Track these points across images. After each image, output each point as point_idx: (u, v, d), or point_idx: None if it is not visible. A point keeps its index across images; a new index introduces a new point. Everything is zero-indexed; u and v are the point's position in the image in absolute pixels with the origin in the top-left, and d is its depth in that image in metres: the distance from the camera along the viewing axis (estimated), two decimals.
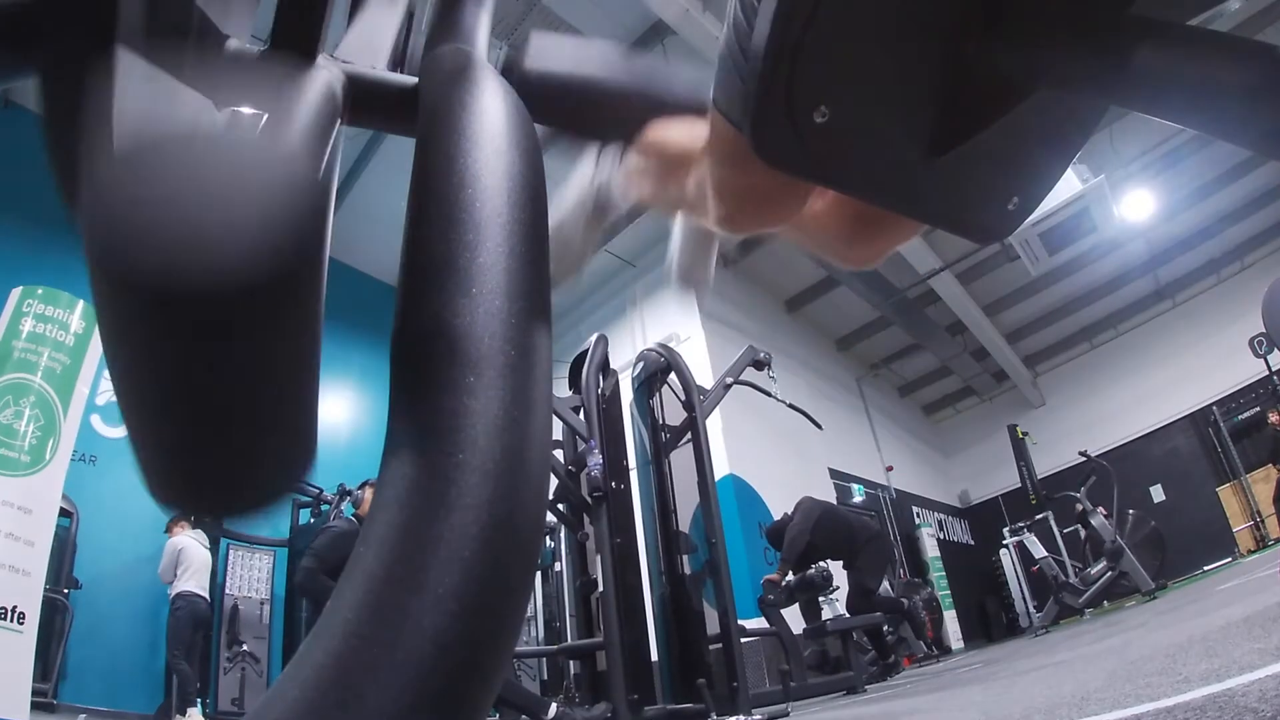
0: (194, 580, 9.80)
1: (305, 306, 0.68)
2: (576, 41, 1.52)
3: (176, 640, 9.56)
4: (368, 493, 8.39)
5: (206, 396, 0.71)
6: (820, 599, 10.36)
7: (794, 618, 9.89)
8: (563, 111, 1.50)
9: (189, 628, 9.66)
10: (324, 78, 1.09)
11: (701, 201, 1.28)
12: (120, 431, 10.97)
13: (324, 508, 11.83)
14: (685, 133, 1.42)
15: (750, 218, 1.20)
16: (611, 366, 8.20)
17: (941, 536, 21.06)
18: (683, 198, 1.40)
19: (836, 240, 1.22)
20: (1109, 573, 13.08)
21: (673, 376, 8.12)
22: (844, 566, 10.13)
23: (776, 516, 10.89)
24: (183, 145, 0.62)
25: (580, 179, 1.89)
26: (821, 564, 10.02)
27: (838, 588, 10.18)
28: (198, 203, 0.58)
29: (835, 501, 14.92)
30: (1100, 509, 13.62)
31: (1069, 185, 12.04)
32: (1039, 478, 16.35)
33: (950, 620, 18.01)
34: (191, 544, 9.94)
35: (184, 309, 0.57)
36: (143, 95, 0.87)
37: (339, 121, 1.09)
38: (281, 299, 0.63)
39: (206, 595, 9.99)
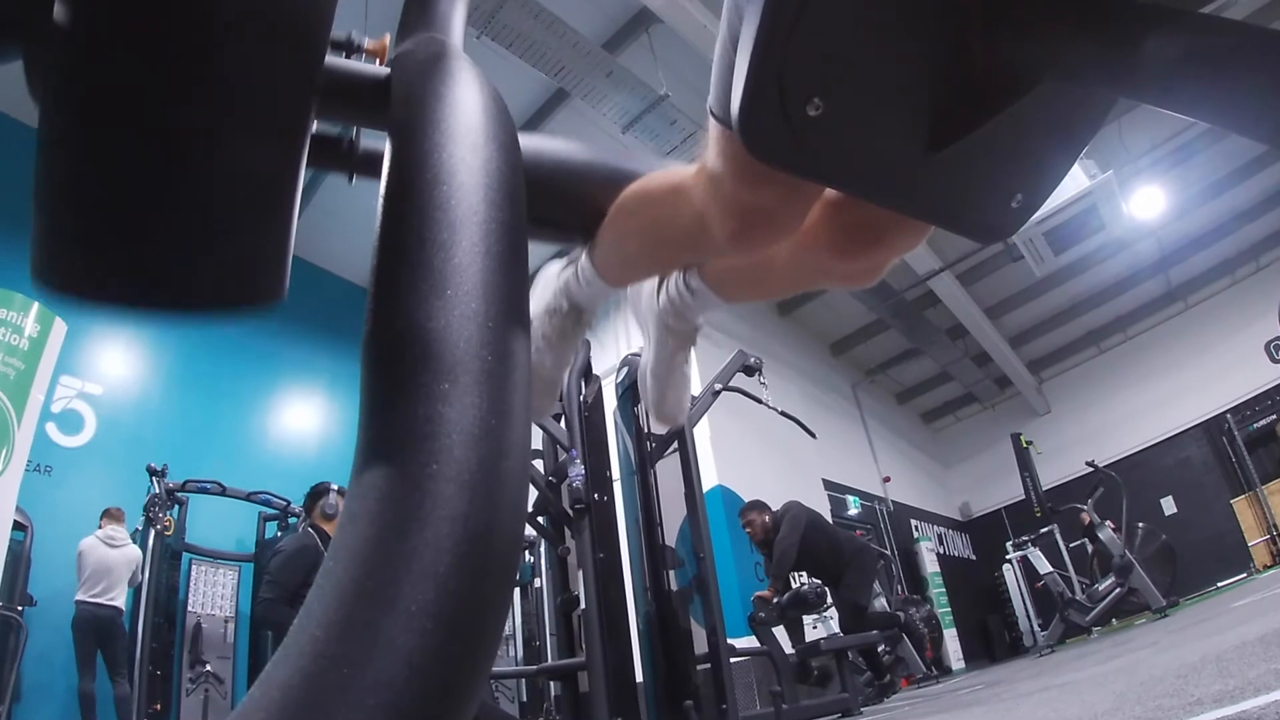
0: (86, 587, 9.52)
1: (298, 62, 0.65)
2: (529, 136, 1.52)
3: (77, 658, 9.39)
4: (330, 496, 8.06)
5: (154, 138, 0.68)
6: (813, 616, 10.36)
7: (786, 637, 9.88)
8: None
9: (84, 641, 9.42)
10: None
11: (696, 236, 1.28)
12: (78, 440, 11.06)
13: (291, 521, 11.76)
14: (663, 177, 1.42)
15: (758, 233, 1.19)
16: (594, 372, 8.19)
17: (941, 551, 21.09)
18: (674, 245, 1.40)
19: (831, 253, 1.22)
20: (1117, 589, 13.11)
21: None
22: (824, 584, 10.05)
23: None
24: None
25: (544, 284, 1.88)
26: (815, 580, 9.99)
27: (830, 605, 10.15)
28: None
29: (830, 514, 14.93)
30: (1108, 522, 13.67)
31: (1075, 181, 12.07)
32: (1044, 489, 16.35)
33: (950, 639, 18.01)
34: (93, 546, 9.62)
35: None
36: None
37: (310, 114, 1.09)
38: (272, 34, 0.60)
39: (111, 602, 9.62)
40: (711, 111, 1.05)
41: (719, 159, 1.10)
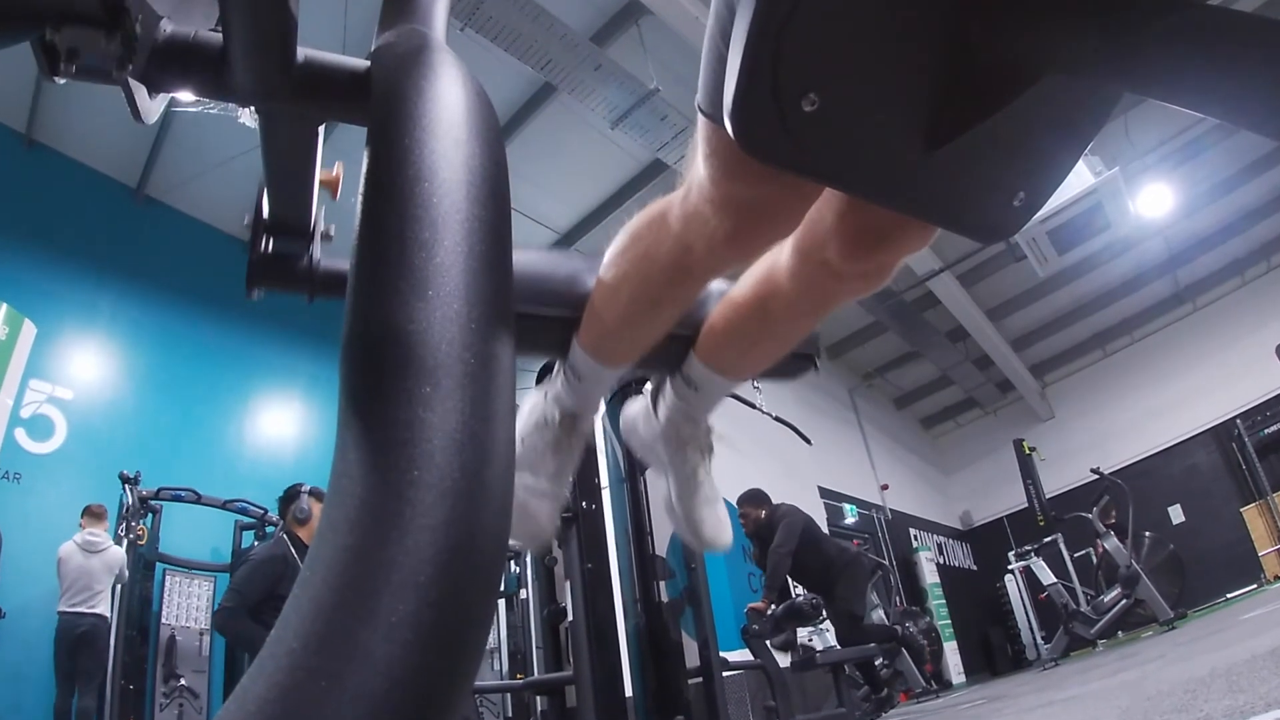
0: (68, 596, 9.37)
1: None
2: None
3: (56, 672, 9.32)
4: (303, 499, 7.85)
5: None
6: (809, 629, 10.35)
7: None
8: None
9: (63, 653, 9.34)
10: None
11: (689, 256, 1.28)
12: (48, 447, 11.00)
13: (269, 529, 11.70)
14: (644, 213, 1.43)
15: (755, 231, 1.19)
16: None
17: (941, 561, 21.07)
18: (668, 277, 1.40)
19: (836, 254, 1.22)
20: (1123, 600, 13.12)
21: (648, 386, 8.09)
22: (817, 593, 10.02)
23: None
24: None
25: (529, 406, 1.86)
26: (811, 594, 9.97)
27: (825, 617, 10.14)
28: None
29: (826, 522, 14.92)
30: (1113, 529, 13.68)
31: (1080, 179, 12.07)
32: (1047, 497, 16.35)
33: (951, 652, 17.98)
34: (71, 553, 9.56)
35: None
36: None
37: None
38: None
39: (92, 610, 9.54)
40: (701, 109, 1.05)
41: (711, 158, 1.10)
